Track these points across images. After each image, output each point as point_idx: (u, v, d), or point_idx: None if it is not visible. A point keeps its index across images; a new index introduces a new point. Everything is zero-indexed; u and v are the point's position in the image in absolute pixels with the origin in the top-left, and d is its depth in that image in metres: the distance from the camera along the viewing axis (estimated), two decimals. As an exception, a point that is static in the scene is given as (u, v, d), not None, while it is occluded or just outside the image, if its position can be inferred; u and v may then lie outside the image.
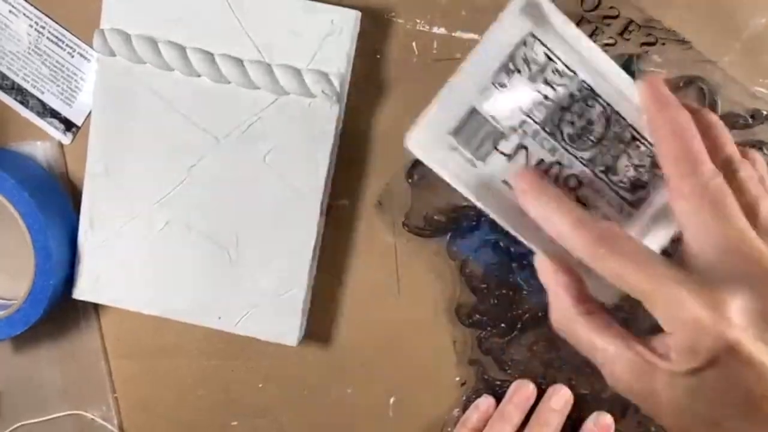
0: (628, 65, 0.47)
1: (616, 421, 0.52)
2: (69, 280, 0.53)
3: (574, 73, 0.37)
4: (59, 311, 0.55)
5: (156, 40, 0.48)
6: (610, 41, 0.48)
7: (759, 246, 0.33)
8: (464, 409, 0.54)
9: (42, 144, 0.54)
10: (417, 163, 0.51)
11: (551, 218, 0.35)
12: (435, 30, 0.49)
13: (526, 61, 0.37)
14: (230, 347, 0.55)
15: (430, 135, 0.38)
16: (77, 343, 0.57)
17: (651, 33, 0.47)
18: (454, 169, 0.38)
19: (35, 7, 0.52)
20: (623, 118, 0.38)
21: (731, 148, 0.36)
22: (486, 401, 0.53)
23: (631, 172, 0.38)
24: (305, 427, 0.57)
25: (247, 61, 0.48)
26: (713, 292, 0.32)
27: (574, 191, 0.38)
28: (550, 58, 0.37)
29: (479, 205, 0.38)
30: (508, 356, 0.53)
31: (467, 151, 0.38)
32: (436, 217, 0.51)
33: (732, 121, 0.47)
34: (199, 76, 0.49)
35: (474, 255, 0.51)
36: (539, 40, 0.37)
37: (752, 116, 0.47)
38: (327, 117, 0.49)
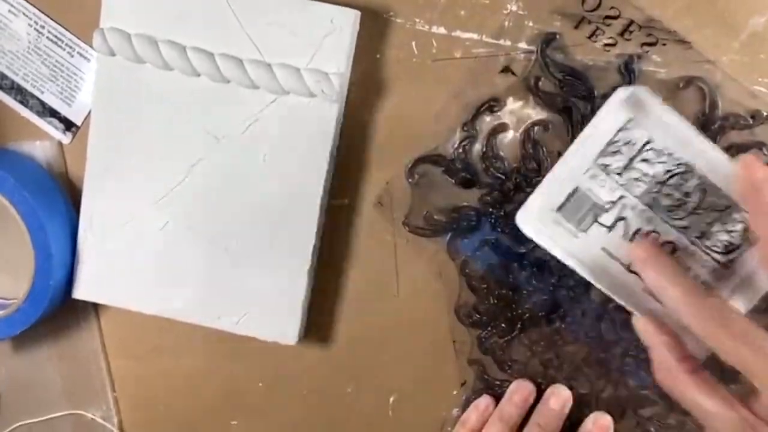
0: (628, 65, 0.47)
1: (615, 421, 0.52)
2: (69, 280, 0.53)
3: (672, 151, 0.41)
4: (59, 311, 0.55)
5: (156, 40, 0.48)
6: (611, 41, 0.48)
7: None
8: (464, 408, 0.54)
9: (42, 144, 0.54)
10: (418, 162, 0.51)
11: (666, 288, 0.39)
12: (434, 30, 0.49)
13: (626, 143, 0.41)
14: (230, 347, 0.55)
15: (537, 213, 0.43)
16: (77, 343, 0.57)
17: (651, 33, 0.47)
18: (559, 241, 0.43)
19: (35, 7, 0.52)
20: (718, 188, 0.42)
21: None
22: (485, 401, 0.53)
23: (724, 237, 0.42)
24: (305, 427, 0.57)
25: (247, 60, 0.48)
26: None
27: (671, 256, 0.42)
28: (648, 140, 0.41)
29: (579, 271, 0.43)
30: (508, 356, 0.53)
31: (570, 224, 0.42)
32: (436, 217, 0.51)
33: (732, 121, 0.47)
34: (199, 75, 0.49)
35: (474, 255, 0.51)
36: (639, 124, 0.41)
37: (752, 117, 0.47)
38: (327, 116, 0.49)
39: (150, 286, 0.52)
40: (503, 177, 0.50)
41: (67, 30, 0.52)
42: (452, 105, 0.50)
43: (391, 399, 0.55)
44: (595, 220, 0.42)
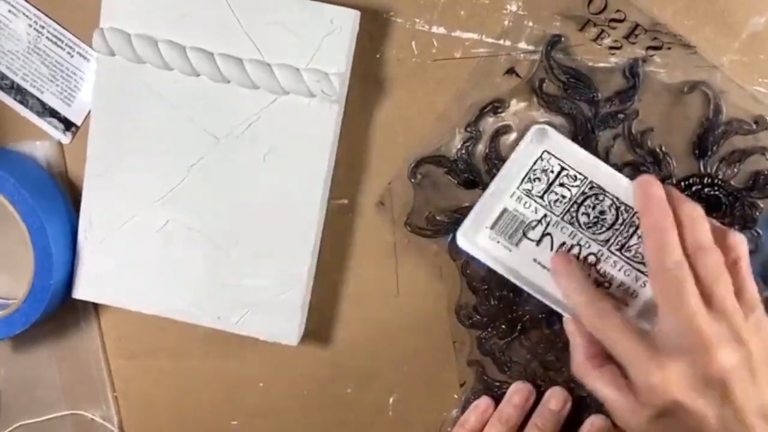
0: (633, 69, 0.47)
1: (614, 424, 0.52)
2: (69, 280, 0.53)
3: (584, 176, 0.47)
4: (59, 311, 0.55)
5: (156, 40, 0.48)
6: (616, 44, 0.48)
7: (701, 325, 0.41)
8: (463, 409, 0.54)
9: (41, 143, 0.54)
10: (420, 163, 0.51)
11: (571, 295, 0.46)
12: (434, 29, 0.49)
13: (544, 171, 0.48)
14: (230, 347, 0.55)
15: (473, 231, 0.48)
16: (77, 343, 0.57)
17: (657, 37, 0.47)
18: (494, 254, 0.48)
19: (34, 7, 0.52)
20: (631, 208, 0.47)
21: (702, 237, 0.43)
22: (485, 402, 0.53)
23: (642, 249, 0.47)
24: (305, 426, 0.57)
25: (247, 60, 0.48)
26: (664, 360, 0.41)
27: (594, 266, 0.48)
28: (562, 167, 0.47)
29: (514, 281, 0.48)
30: (508, 357, 0.53)
31: (503, 239, 0.48)
32: (438, 218, 0.51)
33: (736, 126, 0.47)
34: (198, 75, 0.49)
35: (475, 256, 0.51)
36: (552, 155, 0.47)
37: (756, 122, 0.47)
38: (327, 116, 0.49)
39: (150, 286, 0.52)
40: (505, 178, 0.50)
41: (66, 30, 0.52)
42: (454, 106, 0.50)
43: (391, 399, 0.55)
44: (524, 236, 0.48)
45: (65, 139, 0.54)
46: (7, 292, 0.55)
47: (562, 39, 0.48)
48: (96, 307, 0.56)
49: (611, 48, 0.48)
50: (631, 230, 0.47)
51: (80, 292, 0.53)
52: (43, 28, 0.52)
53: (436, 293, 0.53)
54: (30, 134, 0.54)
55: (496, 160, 0.50)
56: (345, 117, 0.50)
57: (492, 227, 0.48)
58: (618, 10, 0.47)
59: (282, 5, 0.47)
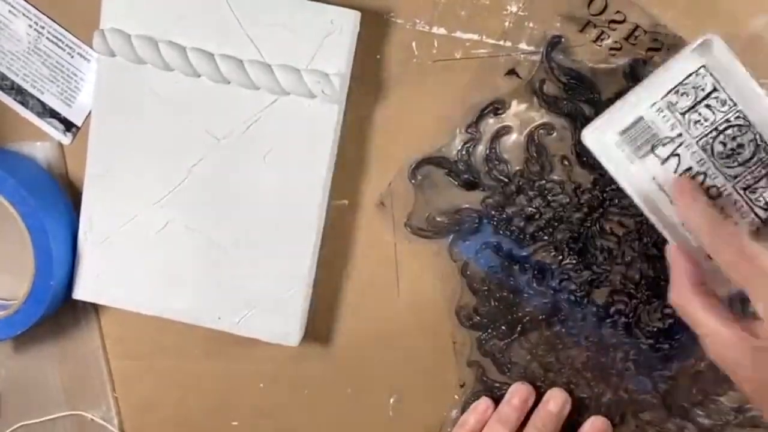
0: (633, 70, 0.47)
1: (614, 425, 0.52)
2: (69, 280, 0.53)
3: (735, 103, 0.44)
4: (59, 311, 0.55)
5: (156, 40, 0.48)
6: (616, 45, 0.48)
7: None
8: (463, 410, 0.54)
9: (42, 144, 0.54)
10: (421, 164, 0.51)
11: (694, 216, 0.43)
12: (435, 30, 0.49)
13: (694, 87, 0.44)
14: (230, 347, 0.55)
15: (601, 131, 0.45)
16: (77, 343, 0.57)
17: (657, 38, 0.47)
18: (616, 161, 0.45)
19: (35, 7, 0.52)
20: None
21: None
22: (484, 403, 0.53)
23: None
24: (305, 427, 0.57)
25: (247, 61, 0.48)
26: None
27: (714, 200, 0.45)
28: (715, 88, 0.44)
29: (629, 193, 0.46)
30: (508, 359, 0.53)
31: (628, 149, 0.45)
32: (438, 219, 0.51)
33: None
34: (199, 76, 0.49)
35: (476, 257, 0.51)
36: (710, 72, 0.44)
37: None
38: (327, 117, 0.49)
39: (150, 287, 0.52)
40: (506, 180, 0.50)
41: (67, 31, 0.52)
42: (454, 106, 0.50)
43: (391, 400, 0.55)
44: (652, 151, 0.45)
45: (66, 139, 0.54)
46: (8, 292, 0.56)
47: (563, 40, 0.48)
48: (96, 307, 0.56)
49: (612, 49, 0.48)
50: (764, 172, 0.45)
51: (80, 293, 0.53)
52: (43, 28, 0.52)
53: (436, 294, 0.53)
54: (30, 135, 0.54)
55: (496, 161, 0.50)
56: (345, 117, 0.50)
57: (622, 133, 0.45)
58: (618, 11, 0.47)
59: (282, 6, 0.47)
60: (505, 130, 0.49)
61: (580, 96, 0.48)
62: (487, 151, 0.50)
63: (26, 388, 0.58)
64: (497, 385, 0.53)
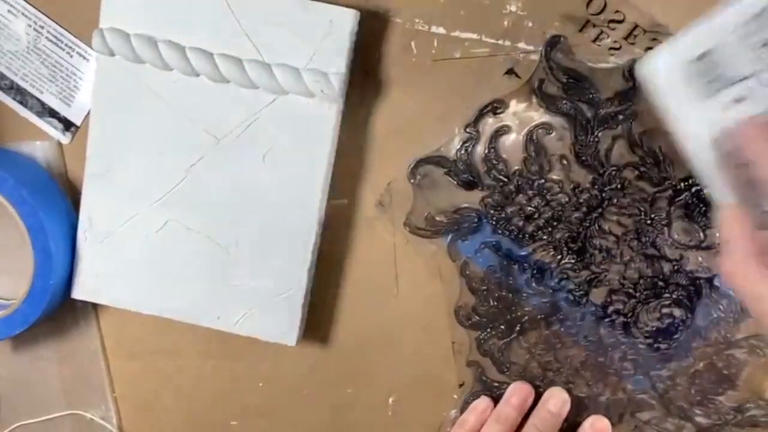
0: (632, 69, 0.47)
1: (612, 425, 0.52)
2: (68, 280, 0.53)
3: None
4: (59, 311, 0.55)
5: (155, 40, 0.48)
6: (616, 45, 0.48)
7: None
8: (462, 410, 0.54)
9: (41, 144, 0.54)
10: (420, 163, 0.51)
11: (765, 162, 0.37)
12: (434, 29, 0.49)
13: None
14: (230, 347, 0.55)
15: (669, 58, 0.39)
16: (77, 343, 0.57)
17: (656, 38, 0.47)
18: (680, 97, 0.40)
19: (34, 7, 0.52)
20: None
21: None
22: (483, 402, 0.53)
23: None
24: (305, 427, 0.57)
25: (246, 60, 0.48)
26: None
27: None
28: None
29: (681, 138, 0.40)
30: (507, 358, 0.53)
31: (699, 83, 0.39)
32: (437, 218, 0.51)
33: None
34: (198, 75, 0.49)
35: (475, 256, 0.51)
36: None
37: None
38: (326, 116, 0.49)
39: (150, 287, 0.52)
40: (505, 179, 0.50)
41: (66, 30, 0.52)
42: (453, 106, 0.50)
43: (391, 399, 0.55)
44: (721, 90, 0.39)
45: (65, 139, 0.54)
46: (7, 292, 0.56)
47: (562, 39, 0.48)
48: (96, 307, 0.56)
49: (611, 48, 0.48)
50: None
51: (80, 293, 0.53)
52: (42, 28, 0.52)
53: (435, 294, 0.53)
54: (30, 134, 0.54)
55: (495, 160, 0.50)
56: (344, 117, 0.50)
57: (691, 63, 0.39)
58: (617, 11, 0.47)
59: (281, 5, 0.47)
60: (504, 130, 0.49)
61: (580, 96, 0.48)
62: (486, 151, 0.50)
63: (26, 388, 0.58)
64: (496, 384, 0.53)
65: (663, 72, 0.40)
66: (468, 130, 0.50)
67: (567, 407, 0.52)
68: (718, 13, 0.39)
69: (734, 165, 0.39)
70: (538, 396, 0.53)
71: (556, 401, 0.52)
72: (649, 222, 0.49)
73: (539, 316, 0.51)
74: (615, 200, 0.49)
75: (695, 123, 0.40)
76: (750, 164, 0.38)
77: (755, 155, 0.38)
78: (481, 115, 0.49)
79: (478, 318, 0.52)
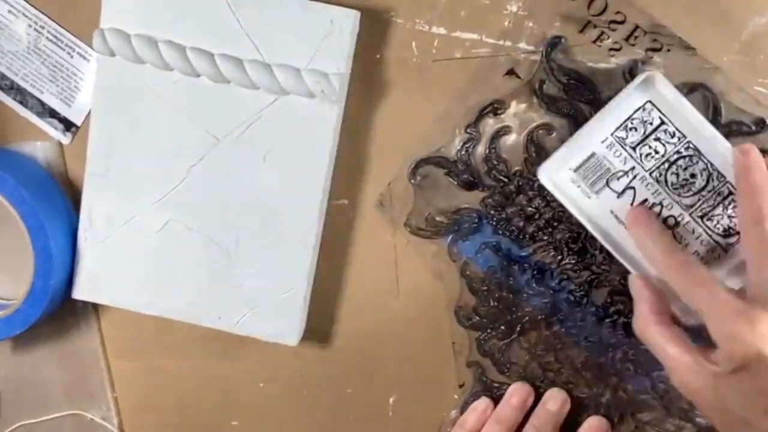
0: (633, 70, 0.47)
1: (613, 425, 0.52)
2: (69, 280, 0.53)
3: (683, 135, 0.46)
4: (59, 311, 0.55)
5: (156, 40, 0.48)
6: (616, 46, 0.48)
7: None
8: (462, 410, 0.54)
9: (41, 144, 0.54)
10: (420, 164, 0.51)
11: (649, 245, 0.45)
12: (435, 30, 0.49)
13: (642, 122, 0.46)
14: (230, 347, 0.55)
15: (556, 169, 0.47)
16: (77, 343, 0.57)
17: (657, 39, 0.47)
18: (572, 197, 0.47)
19: (34, 7, 0.52)
20: (723, 176, 0.46)
21: None
22: (484, 403, 0.53)
23: (725, 221, 0.46)
24: (305, 427, 0.57)
25: (247, 60, 0.48)
26: (753, 312, 0.39)
27: (671, 229, 0.47)
28: (663, 122, 0.46)
29: (587, 226, 0.47)
30: (507, 359, 0.53)
31: (585, 185, 0.47)
32: (437, 218, 0.51)
33: (735, 129, 0.47)
34: (198, 75, 0.49)
35: (475, 257, 0.51)
36: (655, 106, 0.45)
37: (756, 124, 0.47)
38: (327, 117, 0.49)
39: (150, 286, 0.52)
40: (505, 180, 0.50)
41: (66, 30, 0.52)
42: (454, 106, 0.50)
43: (391, 399, 0.55)
44: (607, 185, 0.46)
45: (65, 139, 0.54)
46: (7, 292, 0.56)
47: (563, 40, 0.48)
48: (96, 307, 0.56)
49: (611, 49, 0.48)
50: (718, 200, 0.46)
51: (80, 293, 0.53)
52: (43, 28, 0.52)
53: (435, 294, 0.53)
54: (30, 135, 0.54)
55: (495, 161, 0.50)
56: (345, 117, 0.50)
57: (576, 170, 0.46)
58: (618, 12, 0.47)
59: (282, 6, 0.47)
60: (504, 130, 0.49)
61: (580, 96, 0.48)
62: (487, 151, 0.50)
63: (26, 388, 0.58)
64: (496, 385, 0.53)
65: (554, 181, 0.47)
66: (468, 130, 0.50)
67: (567, 408, 0.52)
68: (593, 123, 0.46)
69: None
70: (538, 396, 0.52)
71: (556, 402, 0.52)
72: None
73: (540, 317, 0.51)
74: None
75: (592, 214, 0.47)
76: (638, 245, 0.46)
77: (636, 238, 0.46)
78: (481, 115, 0.49)
79: (478, 318, 0.52)
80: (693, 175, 0.46)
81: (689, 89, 0.47)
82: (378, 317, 0.54)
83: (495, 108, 0.49)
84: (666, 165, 0.46)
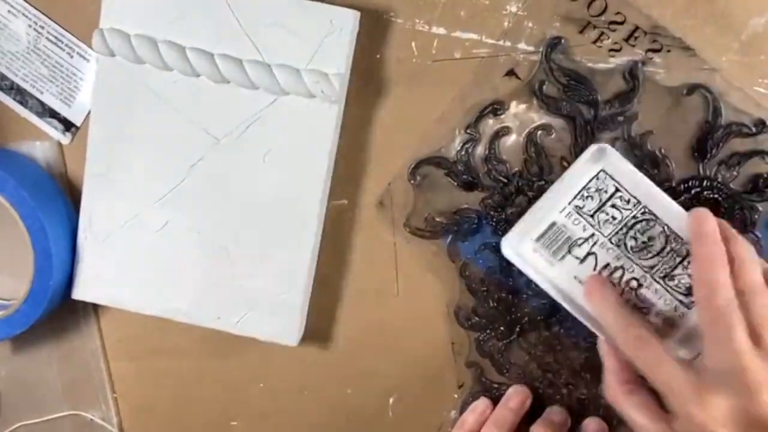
0: (632, 71, 0.47)
1: (611, 426, 0.52)
2: (69, 280, 0.53)
3: (638, 201, 0.47)
4: (59, 311, 0.55)
5: (155, 40, 0.48)
6: (616, 47, 0.48)
7: (749, 364, 0.40)
8: (461, 411, 0.54)
9: (41, 144, 0.54)
10: (420, 164, 0.51)
11: (605, 318, 0.46)
12: (434, 30, 0.49)
13: (598, 190, 0.47)
14: (230, 347, 0.55)
15: (518, 240, 0.48)
16: (77, 343, 0.57)
17: (656, 39, 0.47)
18: (536, 267, 0.48)
19: (34, 7, 0.52)
20: (680, 238, 0.47)
21: (753, 278, 0.43)
22: (483, 404, 0.53)
23: (686, 280, 0.47)
24: (305, 427, 0.57)
25: (247, 61, 0.48)
26: (706, 394, 0.41)
27: (635, 291, 0.47)
28: (617, 189, 0.47)
29: (553, 295, 0.48)
30: (506, 359, 0.53)
31: (547, 253, 0.47)
32: (437, 219, 0.51)
33: (735, 130, 0.47)
34: (198, 76, 0.49)
35: (474, 257, 0.51)
36: (609, 175, 0.47)
37: (755, 125, 0.47)
38: (326, 117, 0.49)
39: (150, 287, 0.52)
40: (505, 180, 0.50)
41: (66, 31, 0.52)
42: (454, 107, 0.50)
43: (391, 399, 0.55)
44: (569, 252, 0.47)
45: (65, 139, 0.54)
46: (7, 292, 0.56)
47: (562, 41, 0.48)
48: (96, 307, 0.56)
49: (611, 50, 0.48)
50: (678, 260, 0.47)
51: (80, 293, 0.53)
52: (42, 28, 0.52)
53: (435, 294, 0.53)
54: (30, 135, 0.54)
55: (495, 161, 0.50)
56: (345, 117, 0.50)
57: (537, 239, 0.47)
58: (618, 12, 0.47)
59: (282, 6, 0.47)
60: (504, 131, 0.49)
61: (580, 97, 0.48)
62: (487, 152, 0.50)
63: (26, 388, 0.58)
64: (496, 385, 0.53)
65: (517, 252, 0.48)
66: (468, 131, 0.50)
67: (568, 423, 0.52)
68: (551, 194, 0.48)
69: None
70: (537, 398, 0.53)
71: (559, 417, 0.52)
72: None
73: (539, 318, 0.51)
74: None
75: (557, 281, 0.48)
76: (596, 315, 0.47)
77: (593, 309, 0.47)
78: (481, 116, 0.49)
79: (477, 319, 0.52)
80: (651, 238, 0.47)
81: (689, 90, 0.47)
82: (377, 318, 0.54)
83: (495, 108, 0.49)
84: (624, 230, 0.47)
